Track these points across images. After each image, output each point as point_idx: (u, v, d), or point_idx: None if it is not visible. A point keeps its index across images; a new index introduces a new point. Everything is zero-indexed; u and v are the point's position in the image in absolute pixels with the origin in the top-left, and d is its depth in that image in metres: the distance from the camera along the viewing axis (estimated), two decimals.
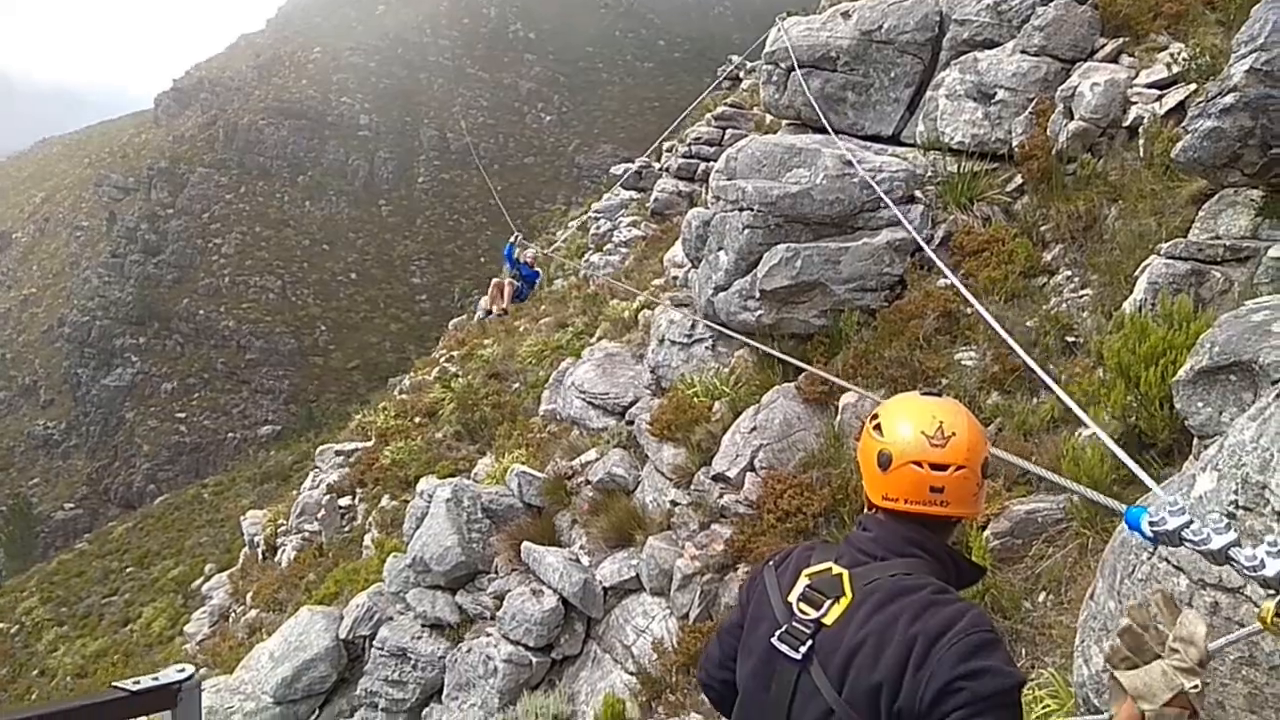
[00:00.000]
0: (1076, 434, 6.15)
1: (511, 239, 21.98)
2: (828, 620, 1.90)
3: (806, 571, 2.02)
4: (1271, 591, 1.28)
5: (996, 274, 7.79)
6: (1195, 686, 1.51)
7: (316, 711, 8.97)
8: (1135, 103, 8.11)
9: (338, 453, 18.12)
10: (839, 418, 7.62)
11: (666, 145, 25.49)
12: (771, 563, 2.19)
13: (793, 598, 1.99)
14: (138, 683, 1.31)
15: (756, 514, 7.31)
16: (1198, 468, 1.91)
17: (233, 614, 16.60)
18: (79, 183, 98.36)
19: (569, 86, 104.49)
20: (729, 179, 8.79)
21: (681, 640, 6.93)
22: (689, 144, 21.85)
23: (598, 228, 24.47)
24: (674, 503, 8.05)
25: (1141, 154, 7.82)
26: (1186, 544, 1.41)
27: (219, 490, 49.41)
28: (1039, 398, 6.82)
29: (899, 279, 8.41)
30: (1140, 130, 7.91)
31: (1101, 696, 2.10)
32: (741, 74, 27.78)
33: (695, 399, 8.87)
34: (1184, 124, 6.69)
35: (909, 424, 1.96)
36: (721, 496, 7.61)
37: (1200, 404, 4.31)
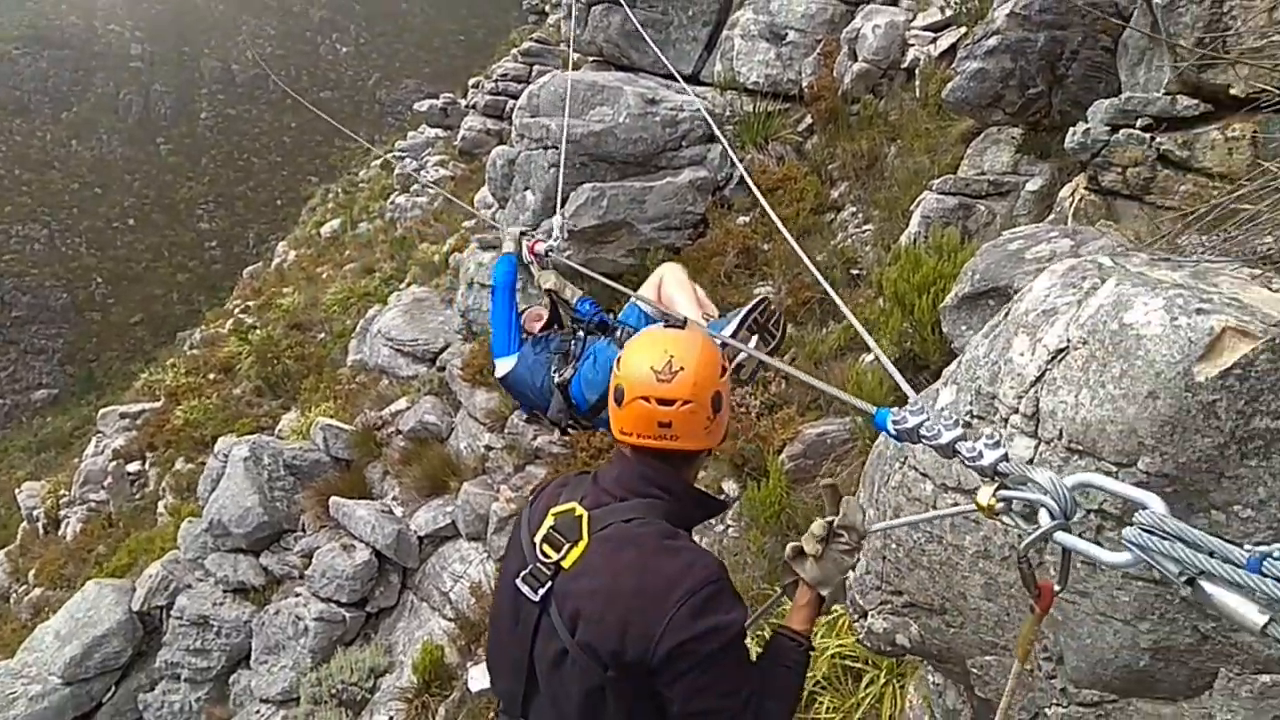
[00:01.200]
0: (860, 360, 6.57)
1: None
2: (565, 564, 1.91)
3: (553, 510, 2.01)
4: (989, 479, 1.42)
5: (789, 211, 8.11)
6: (855, 563, 1.75)
7: (111, 689, 8.42)
8: (912, 45, 8.59)
9: (123, 415, 16.82)
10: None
11: (473, 81, 24.71)
12: (531, 498, 2.19)
13: (538, 538, 1.99)
14: None
15: (570, 453, 7.40)
16: (940, 383, 2.09)
17: (13, 595, 15.24)
18: None
19: (366, 16, 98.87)
20: (532, 116, 8.65)
21: None
22: (495, 80, 21.27)
23: (403, 167, 23.55)
24: (488, 447, 8.00)
25: (918, 95, 8.32)
26: (922, 440, 1.55)
27: None
28: (827, 328, 7.23)
29: (701, 217, 8.61)
30: (917, 71, 8.40)
31: (865, 596, 2.28)
32: (546, 7, 27.20)
33: None
34: (953, 65, 7.18)
35: (641, 359, 1.95)
36: (535, 438, 7.63)
37: (964, 327, 4.69)
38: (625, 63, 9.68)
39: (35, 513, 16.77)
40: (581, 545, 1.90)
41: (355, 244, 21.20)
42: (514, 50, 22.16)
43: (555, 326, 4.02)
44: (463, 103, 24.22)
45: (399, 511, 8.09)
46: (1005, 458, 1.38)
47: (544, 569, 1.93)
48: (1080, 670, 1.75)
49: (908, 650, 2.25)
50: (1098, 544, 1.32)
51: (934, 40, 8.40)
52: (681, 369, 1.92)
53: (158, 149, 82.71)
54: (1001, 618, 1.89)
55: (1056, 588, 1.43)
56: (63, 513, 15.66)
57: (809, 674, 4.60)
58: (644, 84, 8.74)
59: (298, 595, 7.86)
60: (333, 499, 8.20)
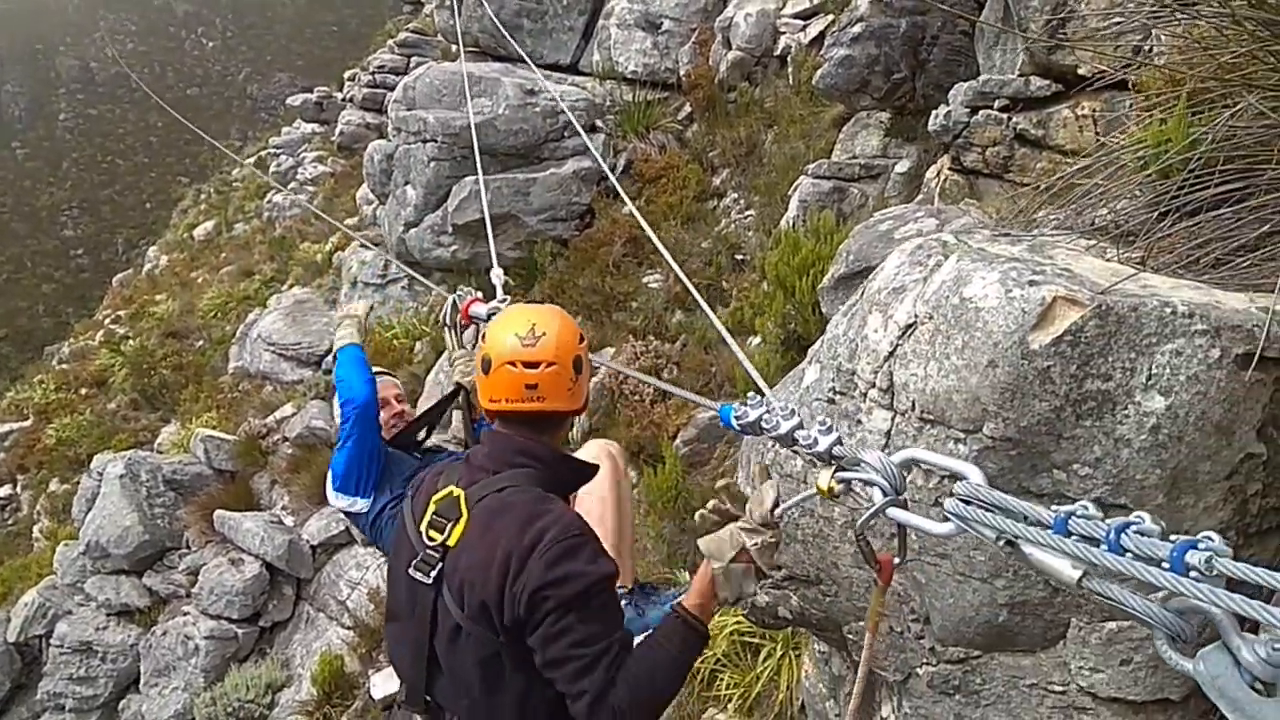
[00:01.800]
0: (747, 342, 6.71)
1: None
2: (450, 542, 1.98)
3: (434, 498, 2.08)
4: (825, 463, 1.50)
5: (673, 199, 8.21)
6: (755, 543, 1.78)
7: None
8: (784, 32, 8.77)
9: None
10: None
11: (349, 74, 24.02)
12: (410, 492, 2.24)
13: (424, 526, 2.06)
14: None
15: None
16: (806, 361, 2.16)
17: None
18: None
19: (233, 9, 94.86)
20: (409, 109, 8.49)
21: None
22: (372, 72, 20.72)
23: (279, 164, 22.74)
24: None
25: (791, 82, 8.52)
26: (763, 431, 1.63)
27: None
28: (715, 313, 7.35)
29: (587, 208, 8.63)
30: (789, 59, 8.60)
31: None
32: None
33: (395, 341, 8.64)
34: (822, 52, 7.38)
35: (506, 330, 2.06)
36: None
37: (840, 306, 4.84)
38: (503, 53, 9.60)
39: None
40: (462, 522, 1.99)
41: (232, 246, 20.39)
42: (390, 41, 21.62)
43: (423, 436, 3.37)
44: (339, 96, 23.52)
45: (290, 521, 7.87)
46: (839, 442, 1.46)
47: (433, 553, 2.01)
48: (945, 629, 1.85)
49: (790, 622, 2.32)
50: (927, 517, 1.40)
51: (804, 28, 8.60)
52: (544, 334, 2.04)
53: (13, 153, 77.64)
54: (871, 584, 1.97)
55: (896, 560, 1.52)
56: None
57: (708, 652, 4.71)
58: (522, 74, 8.68)
59: (186, 614, 7.56)
60: (217, 512, 7.91)
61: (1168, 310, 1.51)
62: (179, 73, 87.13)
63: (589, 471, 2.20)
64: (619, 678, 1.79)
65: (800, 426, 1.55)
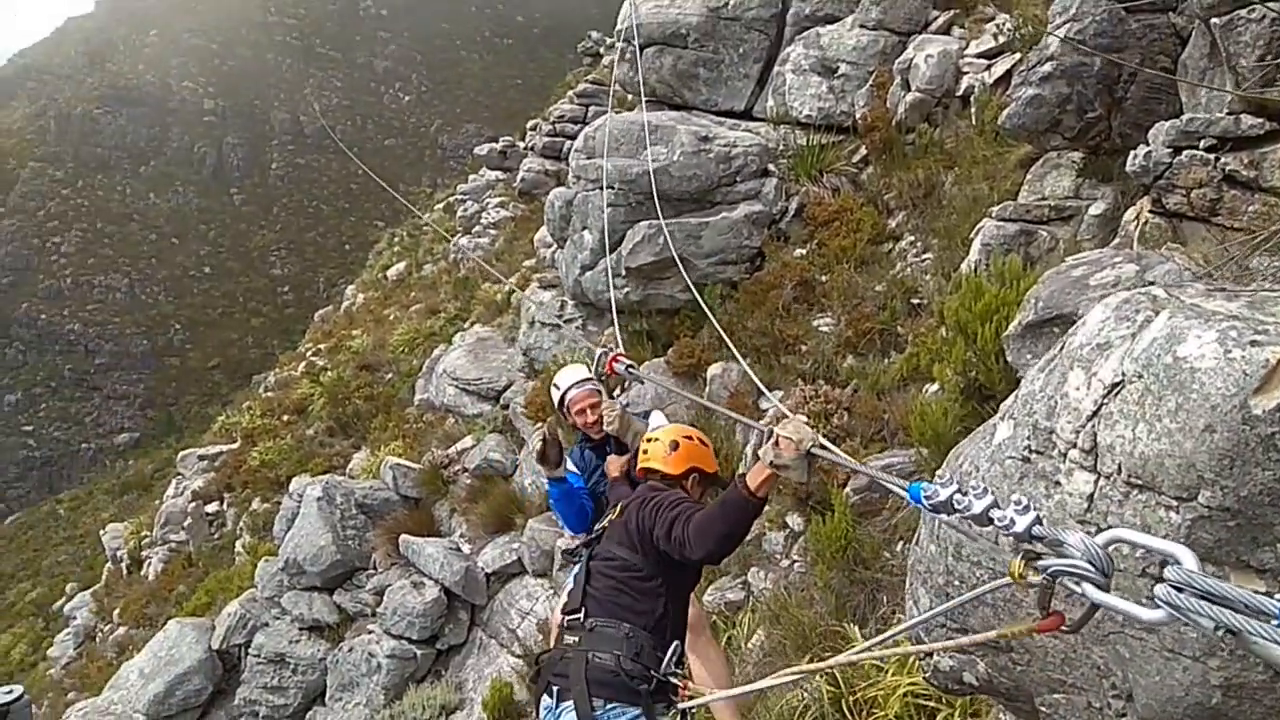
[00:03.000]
0: (923, 390, 6.51)
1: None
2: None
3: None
4: (1025, 542, 1.44)
5: (846, 242, 8.11)
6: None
7: None
8: (967, 73, 8.56)
9: (201, 457, 17.36)
10: (707, 388, 7.81)
11: (531, 124, 25.23)
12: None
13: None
14: None
15: None
16: (998, 417, 2.09)
17: (99, 634, 15.79)
18: None
19: (427, 65, 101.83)
20: (588, 158, 8.83)
21: None
22: (553, 122, 21.68)
23: (465, 210, 24.07)
24: None
25: (974, 122, 8.28)
26: (955, 512, 1.58)
27: (75, 505, 46.55)
28: (889, 359, 7.18)
29: (757, 251, 8.65)
30: (972, 99, 8.37)
31: (931, 634, 2.28)
32: (601, 50, 27.69)
33: None
34: (1009, 92, 7.14)
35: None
36: None
37: (1029, 356, 4.63)
38: (678, 102, 9.83)
39: (119, 553, 17.35)
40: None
41: (420, 285, 21.69)
42: (570, 93, 22.58)
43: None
44: (521, 145, 24.71)
45: (466, 548, 8.21)
46: (1038, 521, 1.40)
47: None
48: (1151, 709, 1.73)
49: (975, 689, 2.23)
50: (1138, 602, 1.31)
51: (988, 67, 8.37)
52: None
53: (231, 199, 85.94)
54: (1068, 654, 1.87)
55: (1066, 630, 1.44)
56: (145, 553, 16.17)
57: (879, 712, 4.55)
58: (697, 122, 8.86)
59: (370, 632, 8.01)
60: (402, 537, 8.36)
61: None
62: (378, 125, 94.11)
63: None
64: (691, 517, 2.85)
65: (995, 506, 1.49)
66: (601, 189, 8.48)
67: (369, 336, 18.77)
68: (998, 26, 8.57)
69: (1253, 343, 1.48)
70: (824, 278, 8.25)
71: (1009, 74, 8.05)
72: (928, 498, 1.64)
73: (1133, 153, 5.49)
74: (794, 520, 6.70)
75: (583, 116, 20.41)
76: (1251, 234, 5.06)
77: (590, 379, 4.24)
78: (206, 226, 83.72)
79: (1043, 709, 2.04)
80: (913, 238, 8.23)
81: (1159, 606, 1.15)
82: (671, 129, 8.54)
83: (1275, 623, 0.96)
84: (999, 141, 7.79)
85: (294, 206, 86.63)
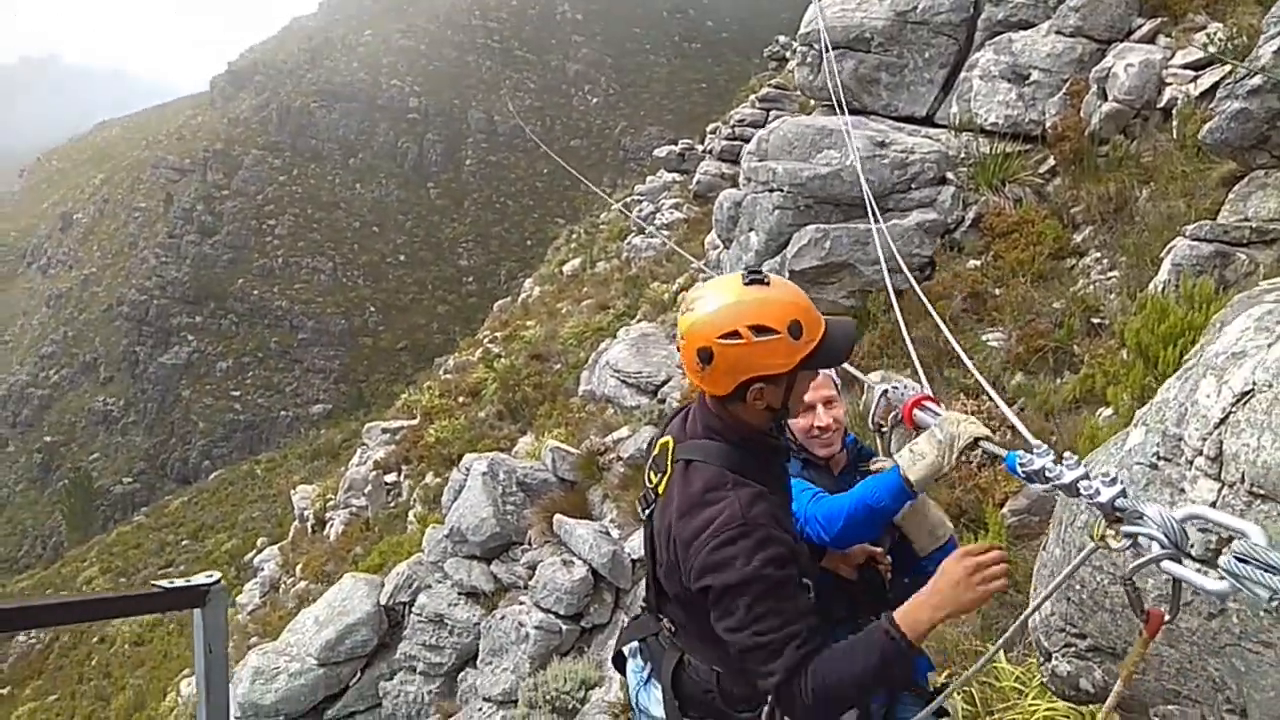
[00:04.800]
0: (1096, 414, 6.21)
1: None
2: (660, 490, 2.19)
3: (658, 442, 2.29)
4: (1108, 514, 1.47)
5: (1024, 255, 7.83)
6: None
7: (358, 674, 9.36)
8: (1170, 84, 8.07)
9: (384, 430, 18.56)
10: (864, 396, 7.74)
11: (710, 127, 25.47)
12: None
13: (648, 465, 2.30)
14: (172, 582, 1.55)
15: None
16: (1132, 424, 2.07)
17: (282, 585, 17.15)
18: (136, 165, 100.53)
19: (616, 68, 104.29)
20: (760, 160, 8.91)
21: None
22: (732, 125, 21.81)
23: (640, 210, 24.58)
24: None
25: (1175, 136, 7.79)
26: (1047, 480, 1.62)
27: (271, 466, 50.64)
28: (1061, 379, 6.88)
29: (929, 260, 8.48)
30: (1174, 112, 7.87)
31: (1050, 638, 2.27)
32: (787, 54, 27.56)
33: None
34: (1213, 105, 6.68)
35: (689, 294, 2.17)
36: None
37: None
38: (857, 106, 9.75)
39: (306, 513, 18.81)
40: (668, 474, 2.17)
41: (593, 282, 22.31)
42: (752, 96, 22.63)
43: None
44: (700, 148, 24.97)
45: (616, 533, 8.48)
46: (1123, 494, 1.43)
47: (650, 492, 2.25)
48: None
49: (1092, 696, 2.21)
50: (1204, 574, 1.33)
51: (1194, 79, 7.85)
52: (692, 310, 2.07)
53: (428, 193, 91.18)
54: (1184, 665, 1.84)
55: (1166, 617, 1.45)
56: (328, 515, 17.45)
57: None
58: (874, 127, 8.77)
59: (521, 604, 8.42)
60: (557, 516, 8.74)
61: None
62: (565, 126, 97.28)
63: (767, 447, 2.20)
64: (809, 669, 1.85)
65: (1085, 477, 1.54)
66: (770, 192, 8.56)
67: (542, 328, 19.51)
68: (1208, 36, 8.02)
69: None
70: (997, 291, 7.98)
71: (1216, 87, 7.53)
72: (1022, 465, 1.69)
73: None
74: None
75: (763, 120, 20.41)
76: None
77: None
78: (404, 217, 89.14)
79: (1155, 719, 2.01)
80: (1098, 254, 7.84)
81: (1224, 579, 1.17)
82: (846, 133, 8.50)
83: None
84: (1200, 158, 7.30)
85: (483, 201, 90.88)
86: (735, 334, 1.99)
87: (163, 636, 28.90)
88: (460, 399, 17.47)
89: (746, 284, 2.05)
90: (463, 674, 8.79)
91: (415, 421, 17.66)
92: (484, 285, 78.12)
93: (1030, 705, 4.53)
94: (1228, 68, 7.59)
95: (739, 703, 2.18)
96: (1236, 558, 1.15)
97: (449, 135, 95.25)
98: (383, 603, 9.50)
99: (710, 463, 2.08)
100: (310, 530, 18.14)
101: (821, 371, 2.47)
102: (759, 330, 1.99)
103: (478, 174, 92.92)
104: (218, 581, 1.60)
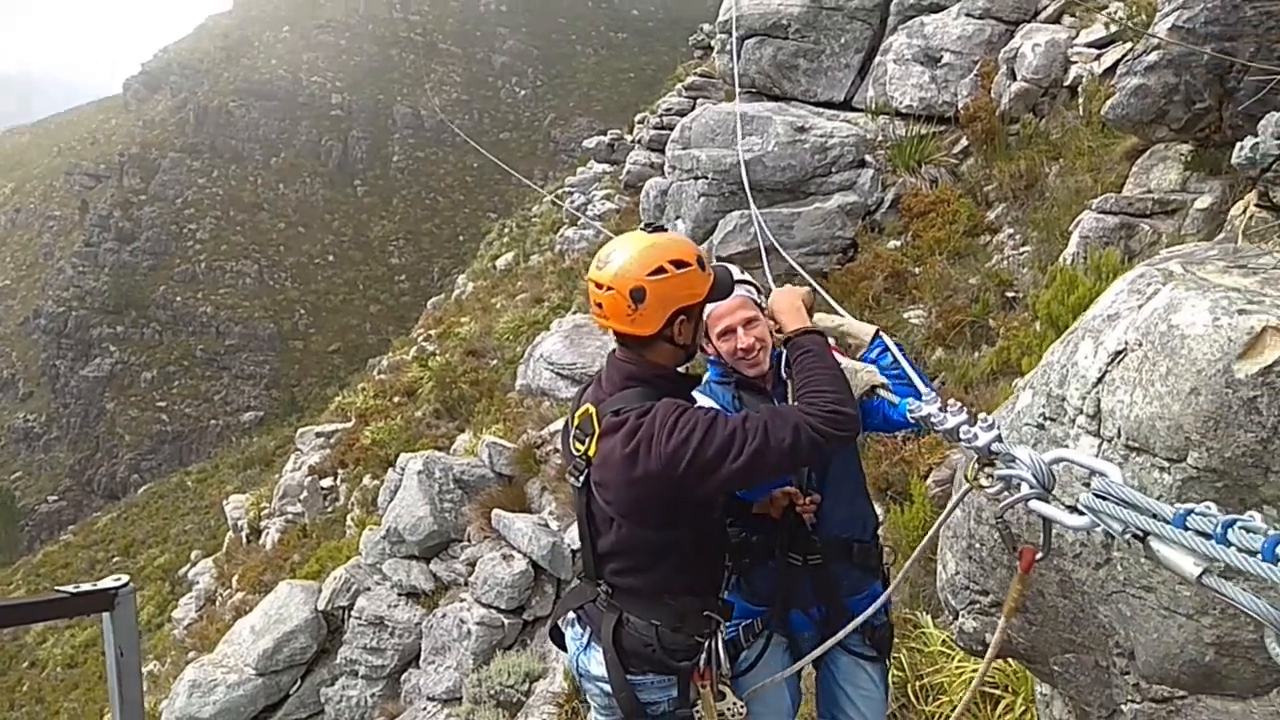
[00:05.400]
0: (1013, 384, 6.42)
1: None
2: (591, 453, 2.31)
3: (577, 414, 2.43)
4: (985, 457, 1.58)
5: (941, 234, 8.04)
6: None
7: (298, 682, 9.22)
8: (1075, 62, 8.35)
9: (318, 435, 18.25)
10: None
11: (639, 117, 25.48)
12: (571, 407, 2.58)
13: (571, 437, 2.43)
14: (78, 586, 1.53)
15: None
16: (1021, 386, 2.17)
17: (219, 598, 16.77)
18: (49, 172, 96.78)
19: (543, 59, 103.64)
20: (684, 148, 8.99)
21: None
22: (660, 115, 21.85)
23: (571, 202, 24.52)
24: None
25: (1081, 113, 8.07)
26: (932, 426, 1.73)
27: (202, 477, 49.40)
28: (979, 352, 7.10)
29: (851, 242, 8.65)
30: (1080, 89, 8.15)
31: (956, 596, 2.37)
32: (712, 43, 27.63)
33: None
34: (1114, 82, 6.93)
35: (599, 253, 2.34)
36: None
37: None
38: (777, 92, 9.87)
39: (240, 523, 18.40)
40: (595, 437, 2.31)
41: (527, 275, 22.22)
42: (679, 85, 22.71)
43: None
44: (629, 138, 24.99)
45: (555, 525, 8.50)
46: (998, 438, 1.51)
47: (580, 462, 2.37)
48: (1150, 666, 1.79)
49: (998, 651, 2.31)
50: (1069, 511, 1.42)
51: (1098, 57, 8.14)
52: (610, 261, 2.26)
53: (355, 190, 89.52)
54: (1077, 614, 1.95)
55: (1039, 555, 1.55)
56: (264, 523, 17.09)
57: (944, 698, 4.59)
58: (794, 112, 8.90)
59: (462, 600, 8.38)
60: (495, 511, 8.72)
61: None
62: (494, 118, 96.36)
63: (688, 383, 2.44)
64: (793, 414, 2.11)
65: (967, 423, 1.64)
66: (696, 179, 8.63)
67: (477, 324, 19.37)
68: (1109, 15, 8.32)
69: (1241, 311, 1.54)
70: (917, 269, 8.19)
71: (1118, 64, 7.81)
72: (911, 411, 1.80)
73: (1239, 144, 5.31)
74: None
75: (690, 109, 20.51)
76: None
77: (747, 282, 2.68)
78: (331, 216, 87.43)
79: (1056, 668, 2.11)
80: (1011, 230, 8.09)
81: (1083, 514, 1.25)
82: (767, 119, 8.62)
83: (1172, 527, 1.06)
84: (1105, 133, 7.58)
85: (412, 198, 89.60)
86: (661, 269, 2.22)
87: (96, 658, 28.04)
88: (396, 399, 17.26)
89: (650, 233, 2.32)
90: (406, 675, 8.72)
91: (350, 424, 17.39)
92: (416, 283, 77.11)
93: (956, 667, 4.69)
94: (1129, 45, 7.88)
95: (678, 652, 2.37)
96: (1095, 494, 1.23)
97: (374, 131, 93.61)
98: (321, 608, 9.36)
99: (636, 406, 2.25)
100: (245, 540, 17.76)
101: (739, 294, 2.60)
102: (678, 264, 2.24)
103: (406, 170, 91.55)
104: (126, 584, 1.59)
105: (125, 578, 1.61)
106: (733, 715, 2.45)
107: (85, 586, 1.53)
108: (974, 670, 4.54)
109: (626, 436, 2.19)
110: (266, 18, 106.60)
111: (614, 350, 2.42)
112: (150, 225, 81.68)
